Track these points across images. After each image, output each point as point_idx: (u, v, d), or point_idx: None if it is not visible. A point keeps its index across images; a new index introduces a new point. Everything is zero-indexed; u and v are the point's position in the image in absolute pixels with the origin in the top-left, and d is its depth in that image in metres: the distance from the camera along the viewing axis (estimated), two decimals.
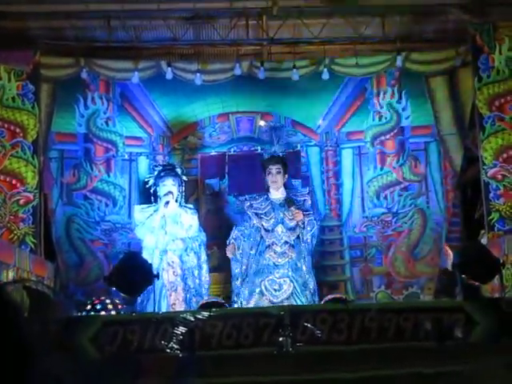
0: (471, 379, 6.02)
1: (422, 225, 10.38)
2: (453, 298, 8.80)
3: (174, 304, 8.91)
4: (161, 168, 9.43)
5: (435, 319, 6.41)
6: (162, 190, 9.23)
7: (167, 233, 9.09)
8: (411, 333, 6.39)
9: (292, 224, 9.00)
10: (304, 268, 8.90)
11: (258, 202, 9.20)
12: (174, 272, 9.03)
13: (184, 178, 9.49)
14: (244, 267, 9.00)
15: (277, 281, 8.83)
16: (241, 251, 9.06)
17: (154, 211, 9.13)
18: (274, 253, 8.92)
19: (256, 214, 9.11)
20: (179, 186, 9.38)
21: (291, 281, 8.83)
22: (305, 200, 9.48)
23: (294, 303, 8.60)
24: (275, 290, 8.79)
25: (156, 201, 9.32)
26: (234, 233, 9.20)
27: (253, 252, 8.99)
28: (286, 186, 9.30)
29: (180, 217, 9.21)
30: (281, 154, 9.37)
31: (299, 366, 6.27)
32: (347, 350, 6.36)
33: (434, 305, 7.89)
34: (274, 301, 8.71)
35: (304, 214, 8.98)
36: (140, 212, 9.32)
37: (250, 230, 9.11)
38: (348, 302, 7.73)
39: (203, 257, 9.31)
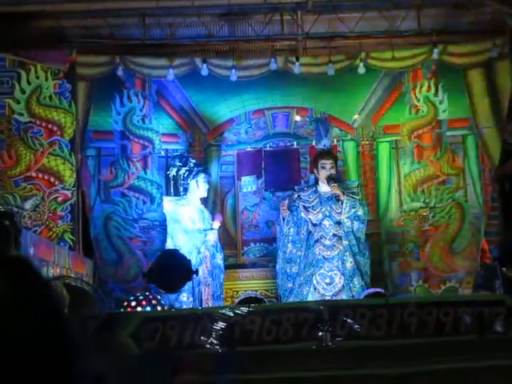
0: None
1: (459, 219, 10.28)
2: (493, 292, 8.72)
3: (208, 299, 8.95)
4: (197, 163, 9.57)
5: (476, 313, 6.34)
6: (201, 187, 9.41)
7: (201, 229, 9.22)
8: (452, 327, 6.31)
9: (339, 218, 8.98)
10: (349, 262, 8.87)
11: (307, 194, 9.20)
12: (206, 266, 9.08)
13: None
14: (297, 266, 8.99)
15: (327, 274, 8.83)
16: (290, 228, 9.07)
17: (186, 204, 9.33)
18: (323, 246, 8.92)
19: (304, 207, 9.10)
20: None
21: (342, 274, 8.82)
22: (353, 193, 9.48)
23: (346, 296, 8.59)
24: (327, 284, 8.79)
25: (185, 193, 9.47)
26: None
27: (303, 251, 8.98)
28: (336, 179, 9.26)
29: (204, 213, 9.44)
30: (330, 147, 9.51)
31: (339, 361, 6.23)
32: (387, 344, 6.31)
33: (474, 298, 7.80)
34: (326, 294, 8.72)
35: (344, 193, 9.00)
36: (170, 203, 9.44)
37: (299, 220, 9.09)
38: (387, 297, 7.70)
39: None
